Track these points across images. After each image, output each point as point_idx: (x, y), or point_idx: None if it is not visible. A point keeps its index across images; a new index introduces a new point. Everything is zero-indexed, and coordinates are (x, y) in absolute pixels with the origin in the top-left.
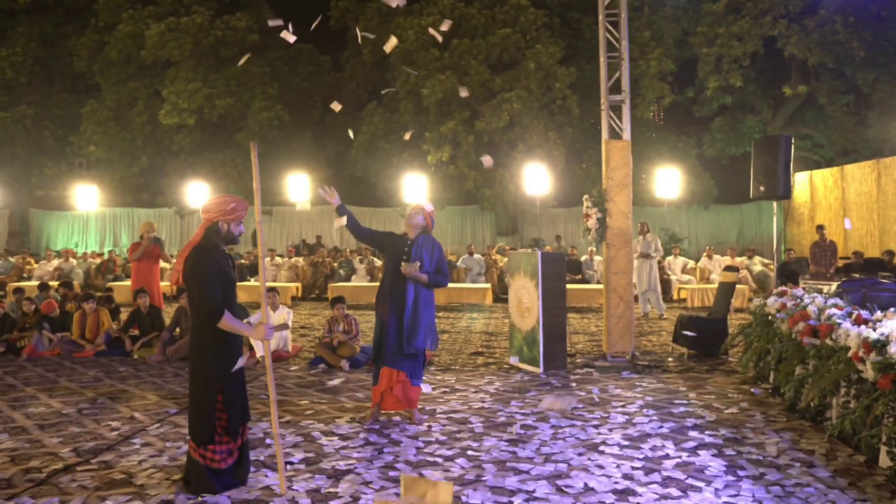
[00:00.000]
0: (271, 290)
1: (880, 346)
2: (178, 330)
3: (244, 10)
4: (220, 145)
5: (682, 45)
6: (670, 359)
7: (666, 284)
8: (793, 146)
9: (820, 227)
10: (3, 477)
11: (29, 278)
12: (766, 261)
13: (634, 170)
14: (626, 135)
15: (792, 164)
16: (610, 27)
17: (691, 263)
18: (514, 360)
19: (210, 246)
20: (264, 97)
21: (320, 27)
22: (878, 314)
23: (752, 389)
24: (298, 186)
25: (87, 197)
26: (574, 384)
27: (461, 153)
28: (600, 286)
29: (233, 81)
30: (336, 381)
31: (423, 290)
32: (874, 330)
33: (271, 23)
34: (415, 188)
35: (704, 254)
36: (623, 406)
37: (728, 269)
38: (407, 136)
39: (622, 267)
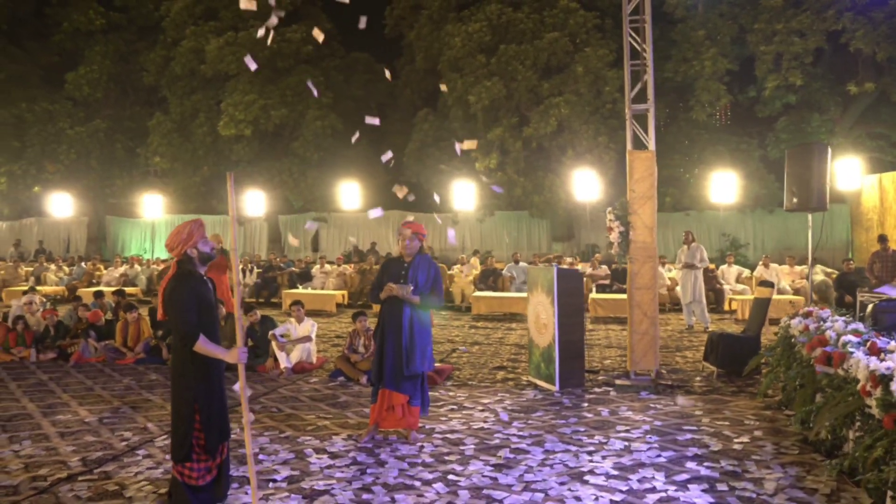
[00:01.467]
0: (296, 303)
1: (886, 381)
2: None
3: (302, 20)
4: (277, 154)
5: (741, 44)
6: (698, 378)
7: (718, 294)
8: (830, 154)
9: (882, 238)
10: (12, 484)
11: (98, 283)
12: (829, 270)
13: (690, 173)
14: (651, 145)
15: (829, 172)
16: (633, 34)
17: (746, 272)
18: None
19: (185, 273)
20: (318, 106)
21: (375, 36)
22: (893, 344)
23: None
24: (350, 194)
25: (153, 205)
26: (586, 404)
27: (510, 160)
28: None
29: (288, 92)
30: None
31: (418, 314)
32: (881, 361)
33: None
34: (464, 195)
35: (760, 262)
36: (627, 430)
37: (763, 283)
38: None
39: (646, 282)
